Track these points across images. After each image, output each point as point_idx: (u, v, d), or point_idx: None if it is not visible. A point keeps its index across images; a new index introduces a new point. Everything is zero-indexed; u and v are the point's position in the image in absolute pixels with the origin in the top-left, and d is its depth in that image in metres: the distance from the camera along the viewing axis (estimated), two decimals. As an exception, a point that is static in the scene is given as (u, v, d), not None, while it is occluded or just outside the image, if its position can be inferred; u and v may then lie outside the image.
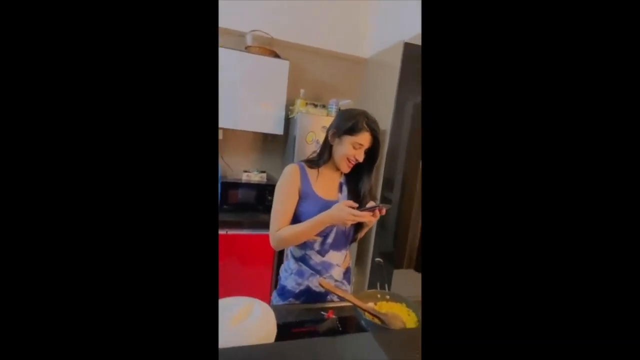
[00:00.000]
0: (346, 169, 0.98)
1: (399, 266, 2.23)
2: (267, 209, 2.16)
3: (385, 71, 2.26)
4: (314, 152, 1.07)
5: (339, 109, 2.22)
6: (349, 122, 0.94)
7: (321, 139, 2.03)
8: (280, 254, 2.17)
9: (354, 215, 0.85)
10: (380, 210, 0.88)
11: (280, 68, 2.10)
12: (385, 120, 2.20)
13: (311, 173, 1.01)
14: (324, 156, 1.01)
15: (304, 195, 0.98)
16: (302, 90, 2.19)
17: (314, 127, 2.04)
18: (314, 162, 1.02)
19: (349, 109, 1.02)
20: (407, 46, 1.99)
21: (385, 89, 2.23)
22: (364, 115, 0.95)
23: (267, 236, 2.12)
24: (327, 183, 1.02)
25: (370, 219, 0.88)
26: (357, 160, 0.96)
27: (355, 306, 0.85)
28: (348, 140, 0.95)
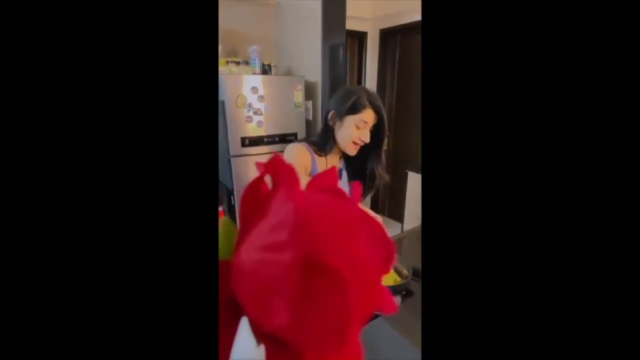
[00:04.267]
0: (353, 152, 0.89)
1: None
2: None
3: (303, 15, 2.09)
4: (313, 136, 0.96)
5: (263, 64, 2.03)
6: (349, 101, 0.85)
7: (254, 102, 1.88)
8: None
9: None
10: None
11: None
12: (315, 69, 2.10)
13: (319, 161, 0.92)
14: (329, 142, 0.90)
15: None
16: (219, 47, 1.91)
17: (243, 88, 1.84)
18: (321, 150, 0.91)
19: (346, 87, 0.90)
20: (326, -15, 1.85)
21: (307, 34, 2.09)
22: (365, 90, 0.86)
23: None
24: None
25: None
26: (363, 141, 0.87)
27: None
28: (351, 120, 0.85)
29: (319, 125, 1.92)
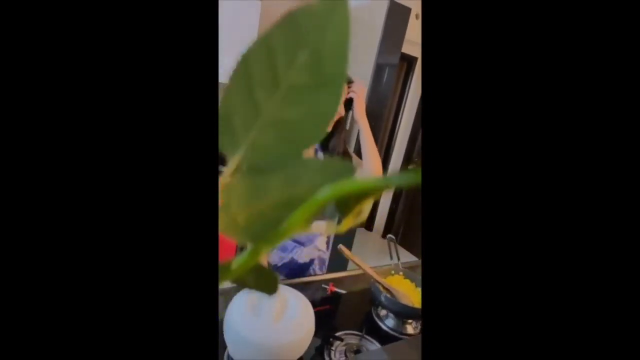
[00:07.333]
0: (330, 126, 0.94)
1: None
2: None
3: (364, 27, 2.13)
4: None
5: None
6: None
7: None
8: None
9: None
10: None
11: (249, 10, 1.82)
12: (363, 81, 2.13)
13: None
14: None
15: None
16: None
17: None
18: None
19: None
20: (394, 5, 1.89)
21: (363, 47, 2.12)
22: None
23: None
24: None
25: None
26: (339, 114, 0.93)
27: (373, 278, 0.86)
28: None
29: (355, 134, 1.93)
